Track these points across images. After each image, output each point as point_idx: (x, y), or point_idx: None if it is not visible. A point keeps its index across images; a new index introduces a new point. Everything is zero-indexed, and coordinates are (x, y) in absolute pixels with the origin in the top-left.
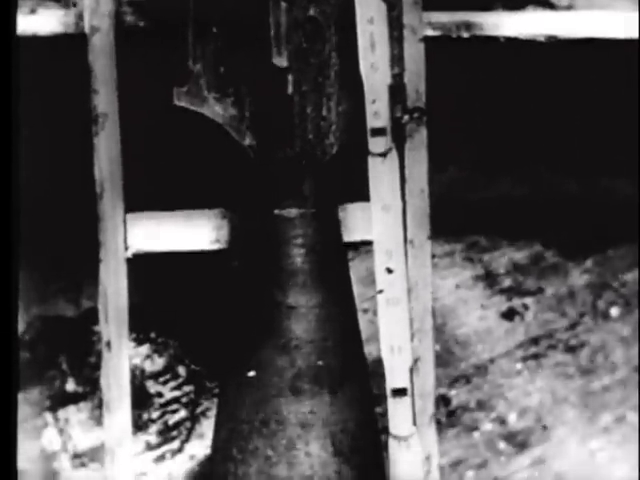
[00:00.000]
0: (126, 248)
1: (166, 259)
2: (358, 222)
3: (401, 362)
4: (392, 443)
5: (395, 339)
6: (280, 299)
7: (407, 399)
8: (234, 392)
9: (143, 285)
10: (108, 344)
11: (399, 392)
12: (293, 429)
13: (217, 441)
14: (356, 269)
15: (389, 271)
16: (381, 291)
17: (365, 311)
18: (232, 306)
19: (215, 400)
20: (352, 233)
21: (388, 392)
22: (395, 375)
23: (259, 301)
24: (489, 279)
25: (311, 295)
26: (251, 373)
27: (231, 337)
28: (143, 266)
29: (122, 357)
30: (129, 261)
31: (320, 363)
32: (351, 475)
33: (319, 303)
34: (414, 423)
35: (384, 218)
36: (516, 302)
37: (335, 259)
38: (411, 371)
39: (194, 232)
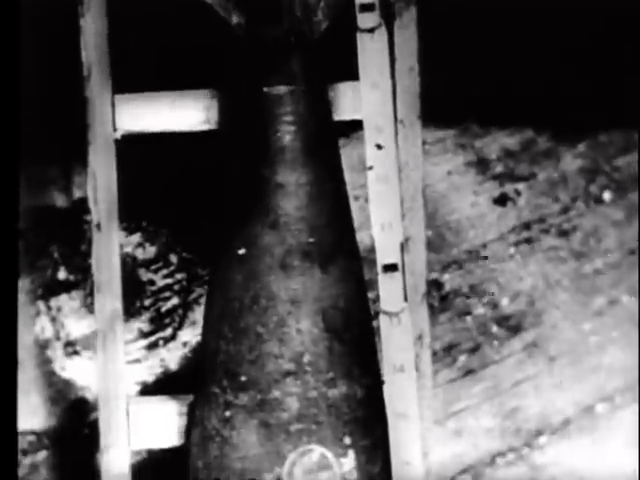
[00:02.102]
0: (114, 129)
1: (155, 141)
2: (348, 101)
3: (392, 238)
4: (383, 319)
5: (385, 216)
6: (269, 176)
7: (398, 275)
8: (224, 270)
9: (132, 170)
10: (98, 225)
11: (390, 268)
12: (283, 306)
13: (208, 320)
14: (347, 156)
15: (379, 147)
16: (371, 167)
17: (356, 198)
18: (222, 185)
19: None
20: (342, 112)
21: (379, 268)
22: (386, 251)
23: (248, 179)
24: (481, 165)
25: (301, 173)
26: (241, 251)
27: (221, 216)
28: (131, 150)
29: (112, 238)
30: (118, 143)
31: (311, 240)
32: (342, 351)
33: (309, 181)
34: (405, 299)
35: (373, 95)
36: (508, 188)
37: (325, 137)
38: (402, 247)
39: (183, 113)
